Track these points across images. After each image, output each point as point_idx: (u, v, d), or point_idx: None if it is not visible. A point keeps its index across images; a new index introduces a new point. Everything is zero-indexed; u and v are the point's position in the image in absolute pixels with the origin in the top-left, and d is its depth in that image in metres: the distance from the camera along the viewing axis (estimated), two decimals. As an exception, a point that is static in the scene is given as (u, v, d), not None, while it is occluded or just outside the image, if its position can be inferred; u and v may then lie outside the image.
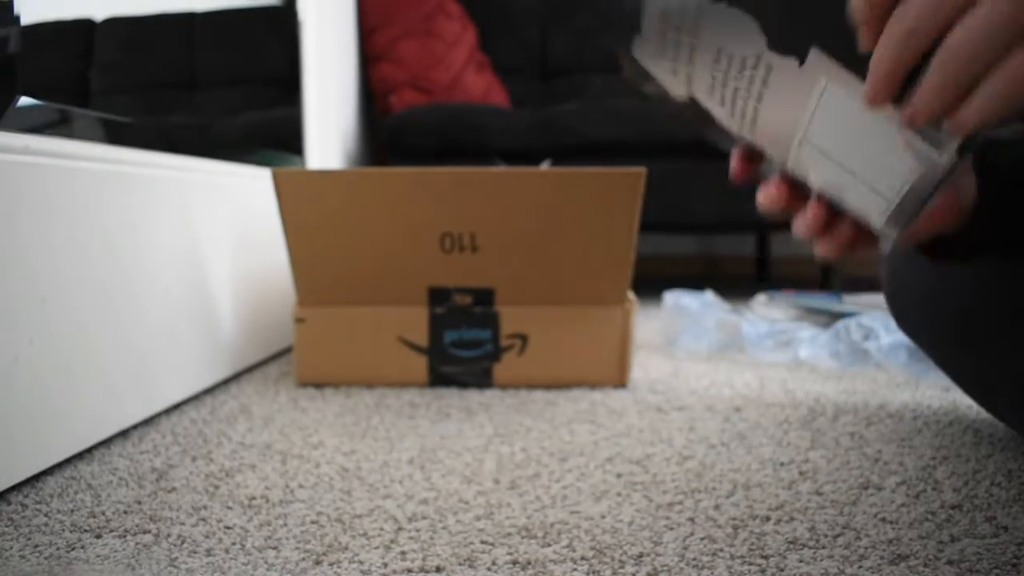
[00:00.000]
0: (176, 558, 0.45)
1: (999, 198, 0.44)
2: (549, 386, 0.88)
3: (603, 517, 0.51)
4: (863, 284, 1.97)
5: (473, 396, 0.84)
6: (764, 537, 0.48)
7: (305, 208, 0.84)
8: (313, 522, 0.50)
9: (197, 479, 0.58)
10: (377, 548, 0.46)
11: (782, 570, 0.43)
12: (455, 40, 2.00)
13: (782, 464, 0.62)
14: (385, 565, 0.44)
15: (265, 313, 1.01)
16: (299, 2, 1.28)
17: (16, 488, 0.56)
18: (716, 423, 0.74)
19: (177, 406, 0.79)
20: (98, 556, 0.45)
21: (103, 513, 0.52)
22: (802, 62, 0.38)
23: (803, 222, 0.44)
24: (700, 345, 1.09)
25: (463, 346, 0.87)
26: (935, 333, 0.65)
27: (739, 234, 2.47)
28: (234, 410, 0.78)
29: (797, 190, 0.44)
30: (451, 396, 0.84)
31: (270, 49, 1.18)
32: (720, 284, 2.00)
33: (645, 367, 1.00)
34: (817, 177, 0.42)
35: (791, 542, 0.47)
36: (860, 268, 2.39)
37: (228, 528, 0.49)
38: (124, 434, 0.69)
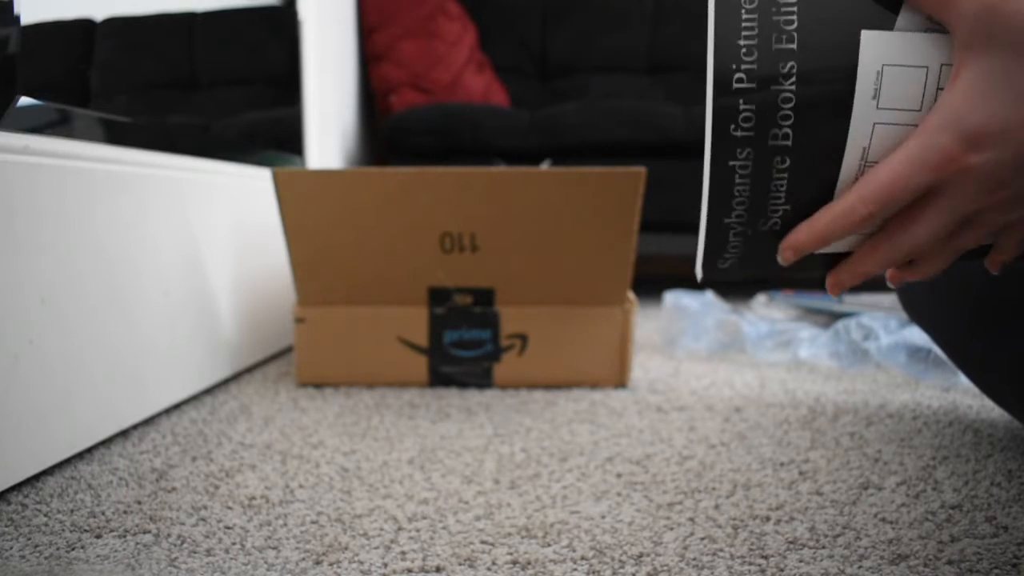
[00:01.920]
0: (176, 558, 0.45)
1: None
2: (549, 386, 0.88)
3: (603, 517, 0.51)
4: (862, 284, 1.97)
5: (473, 396, 0.84)
6: (764, 537, 0.48)
7: (305, 208, 0.84)
8: (313, 522, 0.50)
9: (197, 479, 0.58)
10: (377, 548, 0.46)
11: (782, 570, 0.43)
12: (455, 40, 2.00)
13: (782, 464, 0.62)
14: (385, 565, 0.44)
15: (265, 313, 1.01)
16: (299, 2, 1.28)
17: (16, 488, 0.56)
18: (716, 423, 0.74)
19: (177, 406, 0.79)
20: (98, 556, 0.45)
21: (103, 513, 0.52)
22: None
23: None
24: (700, 345, 1.08)
25: (463, 346, 0.87)
26: (943, 320, 0.65)
27: (739, 234, 2.47)
28: (234, 410, 0.78)
29: None
30: (451, 396, 0.84)
31: (270, 49, 1.18)
32: (720, 284, 2.00)
33: (645, 367, 1.00)
34: None
35: (791, 542, 0.47)
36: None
37: (228, 528, 0.49)
38: (124, 434, 0.69)
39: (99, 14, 0.70)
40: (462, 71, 1.99)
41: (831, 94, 0.37)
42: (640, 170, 0.82)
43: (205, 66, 0.93)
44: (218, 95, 0.97)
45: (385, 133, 1.77)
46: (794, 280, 2.19)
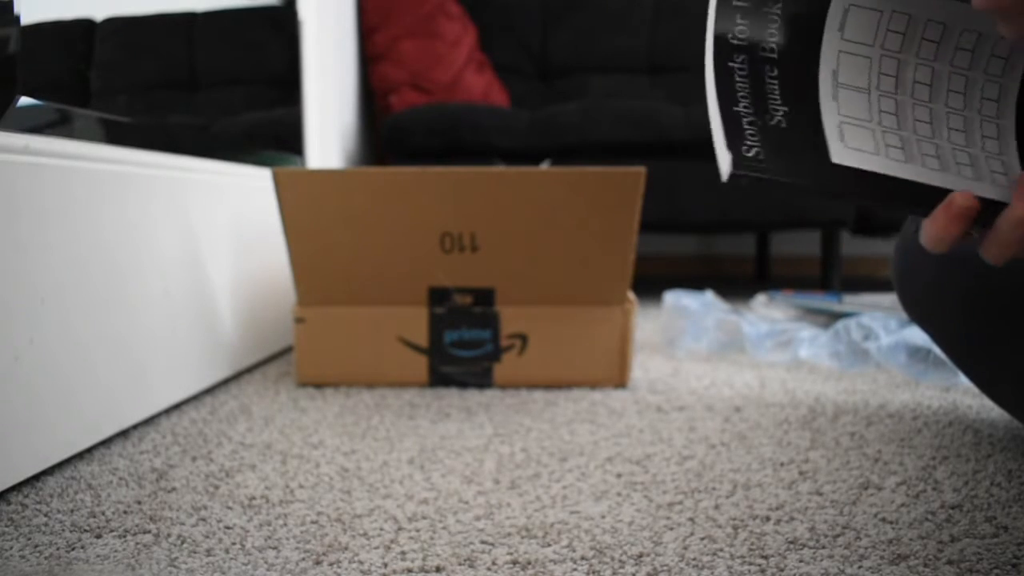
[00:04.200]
0: (176, 558, 0.45)
1: None
2: (549, 386, 0.88)
3: (603, 517, 0.51)
4: (863, 284, 1.97)
5: (473, 396, 0.84)
6: (764, 537, 0.48)
7: (305, 208, 0.84)
8: (313, 522, 0.50)
9: (197, 479, 0.58)
10: (377, 548, 0.46)
11: (782, 570, 0.43)
12: (455, 40, 2.00)
13: (782, 464, 0.62)
14: (385, 565, 0.44)
15: (265, 313, 1.01)
16: (299, 2, 1.28)
17: (16, 488, 0.56)
18: (716, 423, 0.74)
19: (177, 406, 0.79)
20: (98, 556, 0.45)
21: (103, 513, 0.52)
22: None
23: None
24: (700, 345, 1.08)
25: (463, 346, 0.87)
26: (942, 318, 0.65)
27: (739, 234, 2.47)
28: (234, 410, 0.78)
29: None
30: (451, 396, 0.84)
31: (270, 49, 1.18)
32: (720, 284, 2.00)
33: (645, 367, 1.00)
34: None
35: (791, 542, 0.47)
36: (860, 268, 2.39)
37: (228, 528, 0.49)
38: (124, 434, 0.69)
39: (99, 14, 0.70)
40: (462, 71, 1.99)
41: (807, 24, 0.41)
42: (640, 170, 0.82)
43: (205, 66, 0.93)
44: (218, 95, 0.97)
45: (385, 133, 1.77)
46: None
